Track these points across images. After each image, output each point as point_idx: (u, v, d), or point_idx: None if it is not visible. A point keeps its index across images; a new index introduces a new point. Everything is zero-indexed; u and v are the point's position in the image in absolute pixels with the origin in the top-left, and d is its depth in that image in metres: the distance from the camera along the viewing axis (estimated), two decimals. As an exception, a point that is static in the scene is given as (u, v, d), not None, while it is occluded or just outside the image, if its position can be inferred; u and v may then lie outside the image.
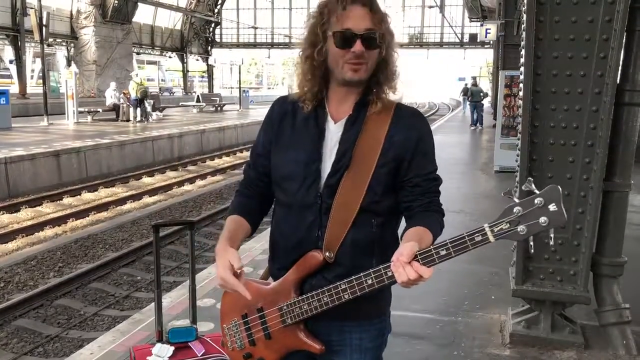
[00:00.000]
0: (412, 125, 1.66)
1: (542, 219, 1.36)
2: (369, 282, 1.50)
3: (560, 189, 1.37)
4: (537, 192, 1.37)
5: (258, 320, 1.71)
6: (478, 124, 21.60)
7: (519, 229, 1.38)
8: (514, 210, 1.38)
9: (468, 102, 23.32)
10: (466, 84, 25.70)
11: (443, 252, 1.42)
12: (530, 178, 1.44)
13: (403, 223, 1.76)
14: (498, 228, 1.39)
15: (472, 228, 1.42)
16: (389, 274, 1.47)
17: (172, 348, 2.51)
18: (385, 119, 1.64)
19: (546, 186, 1.39)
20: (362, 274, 1.51)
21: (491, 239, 1.39)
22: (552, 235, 1.41)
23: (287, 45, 40.36)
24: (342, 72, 1.59)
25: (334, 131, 1.66)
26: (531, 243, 1.42)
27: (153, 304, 3.12)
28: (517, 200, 1.39)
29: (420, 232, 1.53)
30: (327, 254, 1.61)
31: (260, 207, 1.80)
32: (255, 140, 1.83)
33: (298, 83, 1.67)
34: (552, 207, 1.36)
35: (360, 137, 1.62)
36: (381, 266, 1.49)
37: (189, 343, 2.56)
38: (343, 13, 1.56)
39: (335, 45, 1.58)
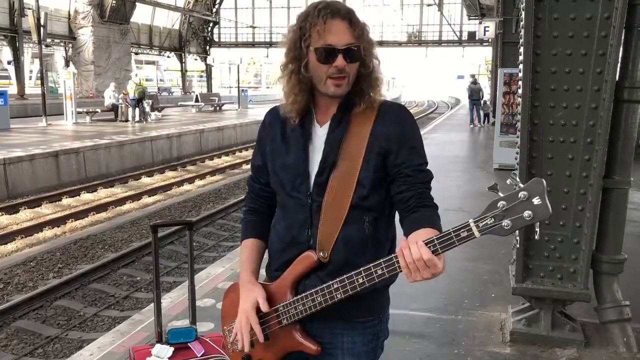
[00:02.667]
0: (396, 119, 1.67)
1: (527, 213, 1.34)
2: (360, 280, 1.51)
3: (544, 182, 1.35)
4: (521, 185, 1.36)
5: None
6: (483, 122, 21.57)
7: (503, 224, 1.36)
8: (499, 205, 1.36)
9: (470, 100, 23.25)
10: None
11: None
12: (514, 172, 1.42)
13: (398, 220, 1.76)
14: (483, 223, 1.38)
15: (457, 224, 1.41)
16: (379, 272, 1.48)
17: (172, 349, 2.51)
18: (370, 116, 1.66)
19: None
20: (353, 273, 1.52)
21: (476, 234, 1.38)
22: (537, 230, 1.40)
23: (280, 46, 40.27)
24: (326, 87, 1.62)
25: (320, 134, 1.68)
26: (537, 229, 1.40)
27: (152, 304, 3.11)
28: (501, 195, 1.38)
29: (431, 233, 1.51)
30: (321, 253, 1.63)
31: (270, 219, 1.83)
32: (252, 154, 1.87)
33: (286, 98, 1.68)
34: (536, 200, 1.34)
35: (346, 136, 1.64)
36: (371, 264, 1.50)
37: (189, 344, 2.55)
38: (324, 28, 1.57)
39: (318, 61, 1.59)
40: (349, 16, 1.60)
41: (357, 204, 1.62)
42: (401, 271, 1.46)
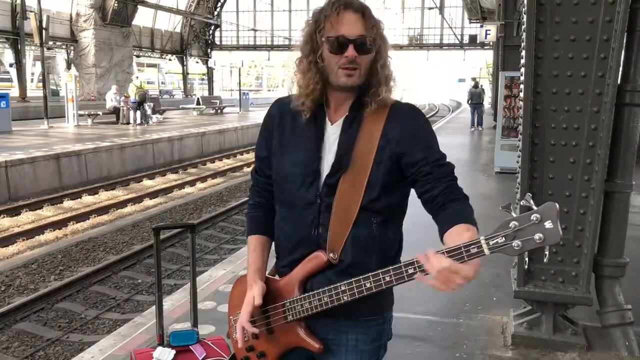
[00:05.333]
0: (407, 119, 1.67)
1: (537, 236, 1.36)
2: (367, 285, 1.53)
3: (558, 206, 1.36)
4: (535, 207, 1.37)
5: (262, 314, 1.74)
6: (479, 126, 21.60)
7: (514, 244, 1.38)
8: (510, 225, 1.38)
9: (468, 104, 23.20)
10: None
11: None
12: (529, 193, 1.43)
13: (407, 223, 1.76)
14: (494, 241, 1.39)
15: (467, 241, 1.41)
16: (387, 279, 1.50)
17: (174, 351, 2.51)
18: (381, 117, 1.66)
19: (546, 198, 1.39)
20: (361, 277, 1.53)
21: (486, 251, 1.40)
22: (546, 253, 1.42)
23: (287, 48, 40.30)
24: (337, 77, 1.62)
25: (331, 132, 1.69)
26: (546, 252, 1.42)
27: (154, 307, 3.11)
28: (514, 215, 1.39)
29: (464, 231, 1.48)
30: (332, 255, 1.64)
31: (275, 213, 1.82)
32: (256, 145, 1.86)
33: (302, 90, 1.67)
34: (548, 224, 1.35)
35: (358, 138, 1.65)
36: (380, 271, 1.51)
37: (190, 346, 2.56)
38: (337, 19, 1.60)
39: (329, 51, 1.61)
40: (362, 9, 1.62)
41: (366, 206, 1.63)
42: (410, 280, 1.47)
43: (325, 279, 1.64)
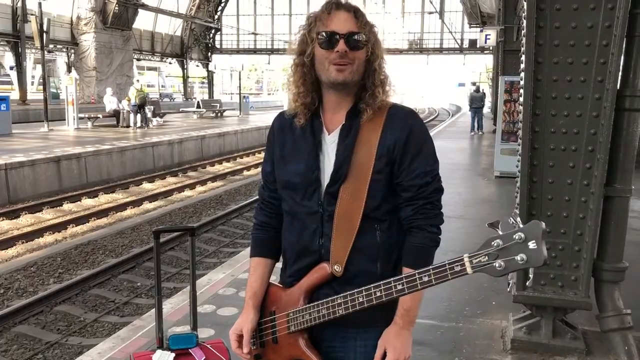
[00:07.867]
0: (404, 126, 1.65)
1: (520, 257, 1.30)
2: (360, 299, 1.53)
3: (544, 225, 1.30)
4: (520, 225, 1.32)
5: (270, 323, 1.75)
6: (479, 130, 21.61)
7: (496, 264, 1.33)
8: (493, 244, 1.34)
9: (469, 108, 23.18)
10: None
11: (425, 279, 1.44)
12: (516, 210, 1.40)
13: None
14: (477, 260, 1.36)
15: (452, 258, 1.41)
16: (378, 294, 1.50)
17: (173, 355, 2.51)
18: (379, 123, 1.65)
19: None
20: (355, 291, 1.54)
21: (469, 270, 1.37)
22: (530, 276, 1.38)
23: (287, 51, 40.33)
24: (328, 73, 1.61)
25: (329, 141, 1.68)
26: (530, 275, 1.38)
27: (153, 310, 3.11)
28: (500, 233, 1.35)
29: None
30: (336, 267, 1.63)
31: (279, 232, 1.82)
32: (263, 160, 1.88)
33: (291, 97, 1.70)
34: (532, 244, 1.29)
35: (356, 146, 1.64)
36: (371, 285, 1.51)
37: (190, 350, 2.55)
38: (328, 17, 1.61)
39: (320, 47, 1.61)
40: (353, 9, 1.63)
41: (368, 214, 1.62)
42: (398, 296, 1.49)
43: (331, 290, 1.64)
